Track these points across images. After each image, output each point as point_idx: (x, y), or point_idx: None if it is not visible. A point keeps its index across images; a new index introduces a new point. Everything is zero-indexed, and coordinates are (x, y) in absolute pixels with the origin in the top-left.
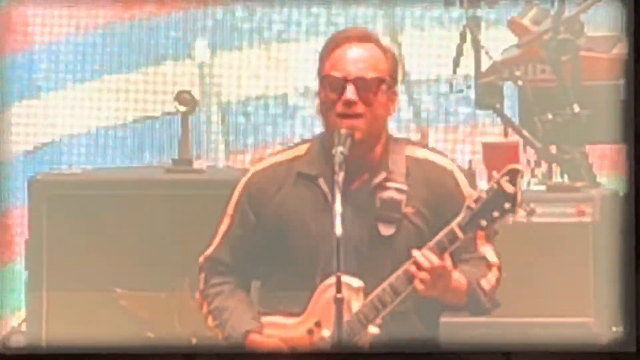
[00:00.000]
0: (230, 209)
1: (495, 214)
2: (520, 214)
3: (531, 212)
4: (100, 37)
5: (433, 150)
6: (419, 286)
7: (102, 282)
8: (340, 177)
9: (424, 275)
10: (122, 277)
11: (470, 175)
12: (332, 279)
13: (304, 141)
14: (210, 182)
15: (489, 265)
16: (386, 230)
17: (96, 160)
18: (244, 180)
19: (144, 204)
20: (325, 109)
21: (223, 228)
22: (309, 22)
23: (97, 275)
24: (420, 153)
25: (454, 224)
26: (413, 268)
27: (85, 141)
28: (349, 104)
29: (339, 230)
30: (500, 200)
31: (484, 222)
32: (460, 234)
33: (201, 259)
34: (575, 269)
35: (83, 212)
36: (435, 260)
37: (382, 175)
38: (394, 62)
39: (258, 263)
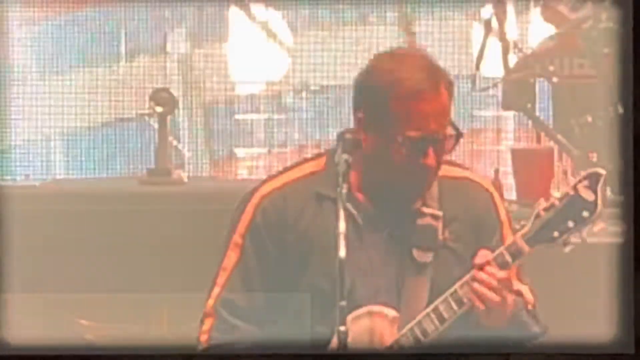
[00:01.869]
0: (237, 238)
1: (570, 224)
2: (600, 226)
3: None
4: (62, 27)
5: (461, 166)
6: (482, 306)
7: (70, 309)
8: (344, 190)
9: (491, 294)
10: (88, 309)
11: (497, 187)
12: (361, 310)
13: (318, 155)
14: (192, 196)
15: (525, 302)
16: (422, 256)
17: (58, 170)
18: (252, 204)
19: (114, 221)
20: (387, 158)
21: (230, 262)
22: (309, 8)
23: (58, 307)
24: (456, 172)
25: (517, 236)
26: (476, 284)
27: (45, 148)
28: (428, 167)
29: (342, 252)
30: (576, 209)
31: (556, 233)
32: (525, 247)
33: (209, 303)
34: (606, 290)
35: (41, 231)
36: (498, 273)
37: (419, 202)
38: (450, 95)
39: (278, 302)
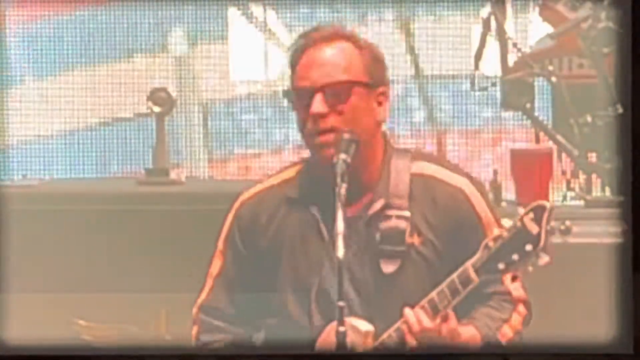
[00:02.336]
0: (220, 244)
1: (515, 256)
2: (544, 260)
3: (567, 232)
4: (59, 26)
5: (444, 163)
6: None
7: (67, 309)
8: (342, 189)
9: (412, 342)
10: (86, 309)
11: (496, 187)
12: (334, 324)
13: (294, 163)
14: (190, 196)
15: (515, 302)
16: (388, 267)
17: (56, 170)
18: (232, 211)
19: (112, 221)
20: (299, 127)
21: (215, 268)
22: (307, 8)
23: (56, 307)
24: (428, 169)
25: (468, 265)
26: (404, 327)
27: (43, 148)
28: (317, 118)
29: (340, 252)
30: (521, 241)
31: (501, 266)
32: (474, 277)
33: (195, 309)
34: (606, 288)
35: (39, 231)
36: (427, 321)
37: (381, 202)
38: (373, 59)
39: (258, 307)
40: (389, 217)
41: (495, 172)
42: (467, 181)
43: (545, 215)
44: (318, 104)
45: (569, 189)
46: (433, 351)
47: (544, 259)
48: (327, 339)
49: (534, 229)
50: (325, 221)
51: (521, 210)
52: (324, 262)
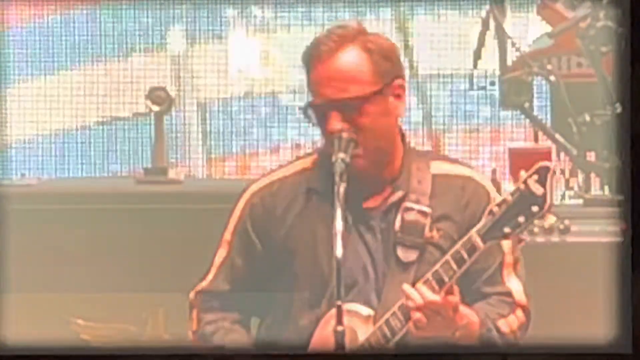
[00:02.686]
0: (227, 235)
1: (521, 219)
2: (550, 220)
3: (566, 230)
4: (57, 25)
5: (459, 162)
6: (414, 330)
7: (62, 313)
8: (341, 189)
9: (417, 315)
10: (84, 308)
11: (495, 185)
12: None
13: (308, 154)
14: (189, 195)
15: (514, 305)
16: (406, 256)
17: (54, 169)
18: (242, 201)
19: (111, 221)
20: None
21: (219, 258)
22: (304, 8)
23: (55, 305)
24: (447, 168)
25: (473, 232)
26: (407, 304)
27: (42, 146)
28: (338, 134)
29: (339, 251)
30: (527, 203)
31: (507, 229)
32: (480, 243)
33: (192, 294)
34: (606, 288)
35: (38, 230)
36: (429, 295)
37: (400, 193)
38: (384, 57)
39: (261, 295)
40: (411, 210)
41: (493, 171)
42: (488, 179)
43: (550, 175)
44: (335, 122)
45: (567, 188)
46: (433, 351)
47: (551, 219)
48: (324, 334)
49: (538, 190)
50: (343, 213)
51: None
52: (347, 254)
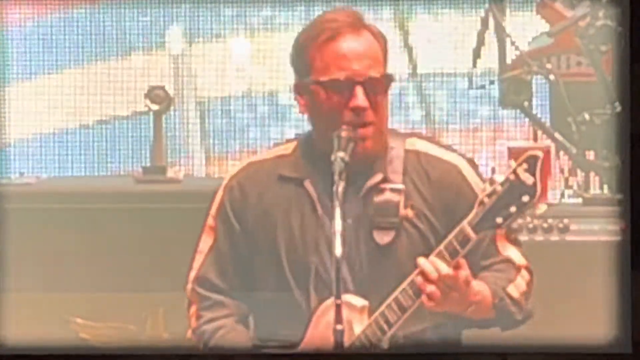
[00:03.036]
0: (211, 220)
1: (512, 209)
2: (541, 209)
3: (565, 230)
4: (57, 25)
5: (437, 142)
6: (428, 302)
7: (64, 307)
8: (340, 187)
9: (431, 288)
10: (83, 307)
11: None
12: (329, 302)
13: (288, 140)
14: (187, 194)
15: (517, 268)
16: (383, 238)
17: (53, 168)
18: (222, 186)
19: (109, 220)
20: (321, 114)
21: (205, 244)
22: (303, 6)
23: (54, 305)
24: (421, 146)
25: (464, 223)
26: (420, 279)
27: (41, 145)
28: (359, 111)
29: (338, 250)
30: (517, 193)
31: (499, 220)
32: (472, 234)
33: (188, 287)
34: (608, 287)
35: (37, 229)
36: (444, 268)
37: (379, 176)
38: (385, 48)
39: (247, 281)
40: (384, 190)
41: (492, 170)
42: (461, 158)
43: (539, 164)
44: (361, 98)
45: (567, 187)
46: (432, 350)
47: (542, 208)
48: (319, 329)
49: (528, 179)
50: (320, 199)
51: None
52: (319, 239)
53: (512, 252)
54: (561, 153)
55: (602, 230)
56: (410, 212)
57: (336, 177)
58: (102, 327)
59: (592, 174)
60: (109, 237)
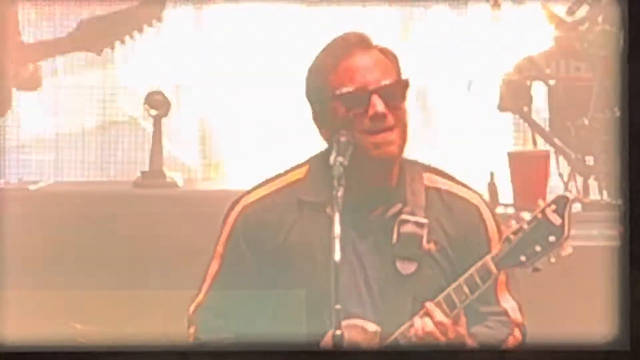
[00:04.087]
0: (220, 247)
1: (538, 248)
2: (568, 251)
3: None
4: (57, 31)
5: (455, 180)
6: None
7: (60, 316)
8: (339, 193)
9: (422, 336)
10: (82, 312)
11: (492, 190)
12: (347, 322)
13: (300, 165)
14: (186, 198)
15: (511, 325)
16: (406, 268)
17: (54, 172)
18: (233, 214)
19: (108, 224)
20: (354, 127)
21: (212, 271)
22: (305, 17)
23: (54, 309)
24: (442, 184)
25: (488, 258)
26: (419, 323)
27: (41, 151)
28: (379, 118)
29: (337, 255)
30: (544, 233)
31: (523, 258)
32: (494, 269)
33: (191, 308)
34: (605, 291)
35: (37, 233)
36: (440, 317)
37: (398, 206)
38: (399, 64)
39: (256, 309)
40: (407, 221)
41: (492, 175)
42: (479, 197)
43: (568, 206)
44: (379, 104)
45: (566, 192)
46: (431, 348)
47: (568, 250)
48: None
49: (556, 220)
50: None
51: (525, 215)
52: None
53: (509, 305)
54: (560, 158)
55: (601, 236)
56: (433, 247)
57: (335, 182)
58: (101, 332)
59: (591, 179)
60: (108, 241)
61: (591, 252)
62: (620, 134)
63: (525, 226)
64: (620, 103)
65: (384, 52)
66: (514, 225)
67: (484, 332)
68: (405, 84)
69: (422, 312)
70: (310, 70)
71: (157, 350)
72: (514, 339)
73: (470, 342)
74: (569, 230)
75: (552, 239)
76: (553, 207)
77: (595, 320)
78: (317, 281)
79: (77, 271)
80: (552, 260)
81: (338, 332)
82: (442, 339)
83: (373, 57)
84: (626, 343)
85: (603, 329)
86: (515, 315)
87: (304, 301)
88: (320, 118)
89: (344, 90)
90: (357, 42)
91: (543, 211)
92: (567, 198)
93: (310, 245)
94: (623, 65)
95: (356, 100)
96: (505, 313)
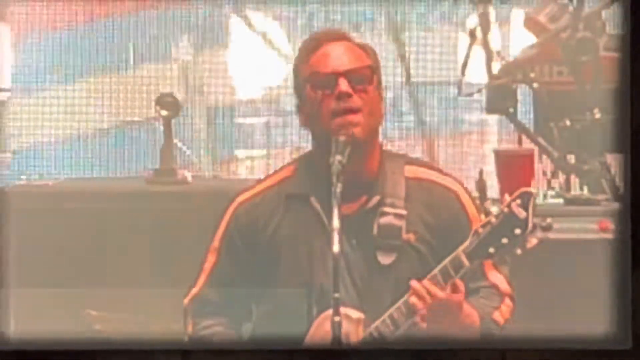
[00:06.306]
0: (215, 242)
1: (504, 240)
2: (532, 243)
3: (548, 228)
4: (74, 36)
5: (435, 168)
6: (421, 323)
7: (77, 303)
8: (337, 189)
9: (424, 309)
10: (97, 299)
11: (481, 186)
12: (328, 312)
13: (289, 163)
14: (196, 194)
15: (501, 295)
16: (385, 259)
17: (70, 170)
18: (229, 211)
19: (122, 219)
20: (315, 114)
21: (209, 264)
22: (304, 20)
23: (70, 296)
24: (422, 173)
25: (459, 251)
26: (414, 300)
27: (58, 149)
28: (344, 97)
29: (336, 247)
30: (510, 226)
31: (492, 250)
32: (466, 262)
33: (186, 300)
34: (592, 284)
35: (55, 227)
36: (437, 292)
37: (377, 198)
38: (376, 58)
39: (250, 299)
40: (387, 213)
41: (480, 172)
42: (459, 184)
43: (532, 200)
44: (344, 85)
45: (549, 188)
46: (431, 346)
47: (532, 241)
48: (320, 328)
49: (521, 214)
50: (326, 213)
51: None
52: (326, 253)
53: (498, 279)
54: (544, 156)
55: (583, 229)
56: (412, 237)
57: (334, 179)
58: (115, 318)
59: (572, 176)
60: (121, 235)
61: (593, 246)
62: (600, 134)
63: (493, 220)
64: (621, 103)
65: (361, 45)
66: (482, 218)
67: (478, 301)
68: (372, 69)
69: (408, 294)
70: (294, 62)
71: (158, 349)
72: (506, 306)
73: (469, 309)
74: (532, 223)
75: (517, 231)
76: (518, 201)
77: (597, 319)
78: (306, 271)
79: (91, 264)
80: (519, 252)
81: (337, 318)
82: (440, 312)
83: (345, 47)
84: (627, 341)
85: (604, 327)
86: (504, 286)
87: (297, 292)
88: (298, 104)
89: (315, 72)
90: (330, 36)
91: (509, 205)
92: (530, 193)
93: (296, 237)
94: (626, 67)
95: (324, 81)
96: (494, 286)
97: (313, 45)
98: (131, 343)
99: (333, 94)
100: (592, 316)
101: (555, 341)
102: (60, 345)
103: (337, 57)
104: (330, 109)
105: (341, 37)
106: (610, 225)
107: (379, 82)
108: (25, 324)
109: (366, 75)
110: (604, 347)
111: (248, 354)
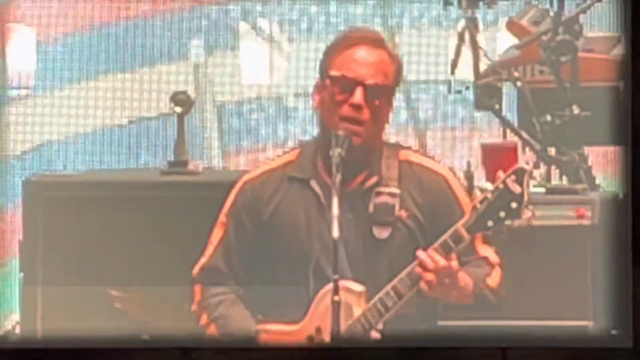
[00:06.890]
0: (222, 217)
1: (502, 214)
2: (527, 215)
3: (531, 215)
4: (95, 37)
5: (426, 155)
6: (425, 287)
7: (98, 283)
8: (337, 179)
9: (429, 276)
10: (117, 279)
11: (469, 176)
12: (329, 286)
13: (294, 148)
14: (206, 184)
15: (492, 265)
16: (381, 233)
17: (91, 162)
18: (235, 189)
19: (139, 206)
20: (327, 108)
21: (216, 237)
22: (306, 22)
23: (93, 276)
24: (414, 158)
25: (459, 225)
26: (419, 269)
27: (80, 142)
28: (356, 108)
29: (335, 233)
30: (506, 200)
31: (490, 223)
32: (465, 235)
33: (195, 270)
34: (573, 270)
35: (78, 214)
36: (441, 260)
37: (374, 179)
38: (400, 72)
39: (254, 271)
40: (382, 193)
41: (468, 164)
42: (447, 169)
43: (526, 176)
44: (358, 96)
45: (531, 178)
46: (433, 344)
47: (527, 214)
48: (319, 312)
49: (516, 189)
50: (325, 195)
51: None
52: (323, 233)
53: (487, 252)
54: (527, 149)
55: (562, 216)
56: (404, 213)
57: (334, 170)
58: (135, 298)
59: (553, 167)
60: (138, 221)
61: (594, 245)
62: (623, 125)
63: (489, 195)
64: (622, 103)
65: (391, 54)
66: (479, 195)
67: (471, 270)
68: (391, 89)
69: (416, 262)
70: (325, 49)
71: (159, 347)
72: (496, 272)
73: (464, 275)
74: (527, 197)
75: (514, 205)
76: (513, 177)
77: (598, 317)
78: (304, 250)
79: (109, 248)
80: (515, 224)
81: (336, 298)
82: (442, 279)
83: (376, 55)
84: (628, 340)
85: (605, 326)
86: (494, 258)
87: (296, 265)
88: (319, 87)
89: (338, 73)
90: (368, 37)
91: (504, 181)
92: (524, 169)
93: (296, 216)
94: (627, 67)
95: (343, 84)
96: (485, 259)
97: (349, 43)
98: (132, 342)
99: (346, 99)
100: (594, 315)
101: (556, 339)
102: (60, 345)
103: (364, 64)
104: (338, 111)
105: (379, 44)
106: (587, 212)
107: (393, 96)
108: (49, 320)
109: (383, 93)
110: (606, 346)
111: (248, 352)
